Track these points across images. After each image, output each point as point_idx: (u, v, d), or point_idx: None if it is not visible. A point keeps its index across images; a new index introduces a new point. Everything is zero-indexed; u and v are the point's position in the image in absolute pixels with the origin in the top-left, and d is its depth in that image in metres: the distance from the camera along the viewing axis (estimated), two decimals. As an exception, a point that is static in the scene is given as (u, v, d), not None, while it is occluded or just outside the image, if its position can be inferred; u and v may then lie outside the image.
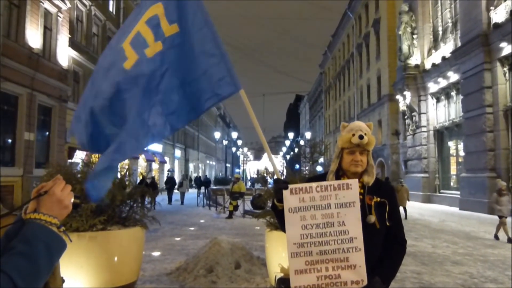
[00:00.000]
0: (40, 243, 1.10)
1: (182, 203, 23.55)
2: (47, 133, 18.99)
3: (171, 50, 2.39)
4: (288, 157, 76.62)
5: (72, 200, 1.28)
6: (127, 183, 5.56)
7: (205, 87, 2.36)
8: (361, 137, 2.13)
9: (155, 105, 2.32)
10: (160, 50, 2.36)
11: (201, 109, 2.42)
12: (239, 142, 72.58)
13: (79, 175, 5.13)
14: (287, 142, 77.00)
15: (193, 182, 42.47)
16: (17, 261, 1.04)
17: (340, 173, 2.22)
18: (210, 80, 2.35)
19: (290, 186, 2.05)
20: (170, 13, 2.40)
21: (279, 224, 2.18)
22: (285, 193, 2.04)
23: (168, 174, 27.22)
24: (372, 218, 2.09)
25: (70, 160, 19.80)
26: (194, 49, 2.39)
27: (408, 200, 16.11)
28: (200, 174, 52.14)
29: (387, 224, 2.15)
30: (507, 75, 16.53)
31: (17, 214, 1.36)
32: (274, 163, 2.42)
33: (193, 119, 2.56)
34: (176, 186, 25.24)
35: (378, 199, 2.14)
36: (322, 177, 2.31)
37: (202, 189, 28.31)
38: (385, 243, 2.17)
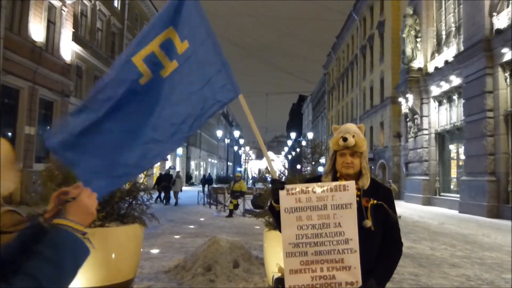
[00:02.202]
0: (67, 249, 1.12)
1: (175, 203, 21.51)
2: (48, 127, 19.02)
3: (184, 65, 2.47)
4: (290, 157, 76.59)
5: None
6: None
7: (208, 95, 2.47)
8: (344, 139, 2.14)
9: (170, 116, 2.37)
10: (175, 67, 2.43)
11: (205, 116, 2.52)
12: (241, 141, 72.54)
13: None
14: (289, 142, 76.94)
15: (193, 180, 42.35)
16: (45, 267, 1.06)
17: (337, 175, 2.24)
18: (213, 88, 2.47)
19: (287, 186, 2.07)
20: (181, 31, 2.47)
21: (276, 225, 2.19)
22: (281, 193, 2.05)
23: (167, 170, 25.81)
24: (368, 223, 2.09)
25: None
26: (199, 60, 2.49)
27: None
28: (203, 173, 52.18)
29: (384, 226, 2.16)
30: (508, 80, 16.52)
31: (14, 210, 1.36)
32: (272, 165, 2.44)
33: (199, 126, 2.63)
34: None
35: (375, 201, 2.14)
36: (320, 178, 2.33)
37: (206, 187, 27.88)
38: (381, 245, 2.17)
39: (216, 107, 2.48)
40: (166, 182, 21.54)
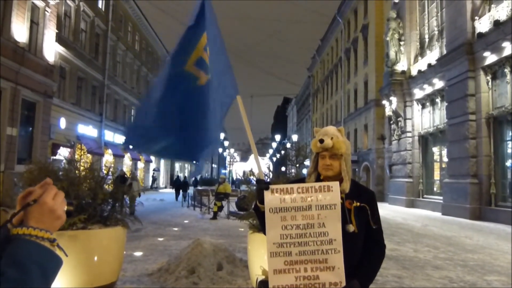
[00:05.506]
0: (34, 265, 0.94)
1: (132, 212, 18.76)
2: (31, 128, 18.75)
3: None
4: (274, 159, 76.70)
5: (65, 208, 1.09)
6: (109, 181, 5.51)
7: (219, 97, 2.51)
8: (321, 141, 2.16)
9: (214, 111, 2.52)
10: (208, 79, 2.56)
11: (221, 117, 2.57)
12: (226, 143, 72.36)
13: (60, 173, 5.07)
14: (274, 144, 77.12)
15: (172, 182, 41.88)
16: None
17: (321, 177, 2.24)
18: (221, 89, 2.51)
19: (271, 186, 2.06)
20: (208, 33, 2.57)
21: (260, 225, 2.18)
22: (266, 193, 2.05)
23: (121, 172, 24.91)
24: (351, 228, 2.09)
25: (53, 157, 19.53)
26: (215, 60, 2.54)
27: None
28: (198, 177, 51.77)
29: (367, 228, 2.17)
30: (490, 83, 16.81)
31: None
32: (260, 165, 2.43)
33: (220, 129, 2.73)
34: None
35: (358, 203, 2.15)
36: (304, 180, 2.33)
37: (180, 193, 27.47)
38: (365, 246, 2.18)
39: (225, 108, 2.54)
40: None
